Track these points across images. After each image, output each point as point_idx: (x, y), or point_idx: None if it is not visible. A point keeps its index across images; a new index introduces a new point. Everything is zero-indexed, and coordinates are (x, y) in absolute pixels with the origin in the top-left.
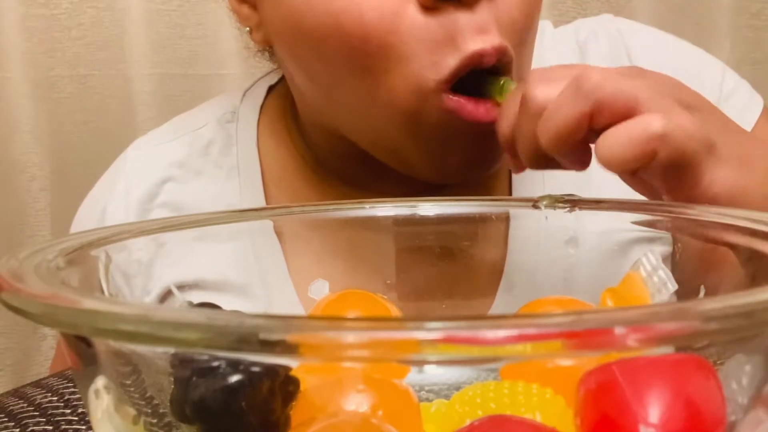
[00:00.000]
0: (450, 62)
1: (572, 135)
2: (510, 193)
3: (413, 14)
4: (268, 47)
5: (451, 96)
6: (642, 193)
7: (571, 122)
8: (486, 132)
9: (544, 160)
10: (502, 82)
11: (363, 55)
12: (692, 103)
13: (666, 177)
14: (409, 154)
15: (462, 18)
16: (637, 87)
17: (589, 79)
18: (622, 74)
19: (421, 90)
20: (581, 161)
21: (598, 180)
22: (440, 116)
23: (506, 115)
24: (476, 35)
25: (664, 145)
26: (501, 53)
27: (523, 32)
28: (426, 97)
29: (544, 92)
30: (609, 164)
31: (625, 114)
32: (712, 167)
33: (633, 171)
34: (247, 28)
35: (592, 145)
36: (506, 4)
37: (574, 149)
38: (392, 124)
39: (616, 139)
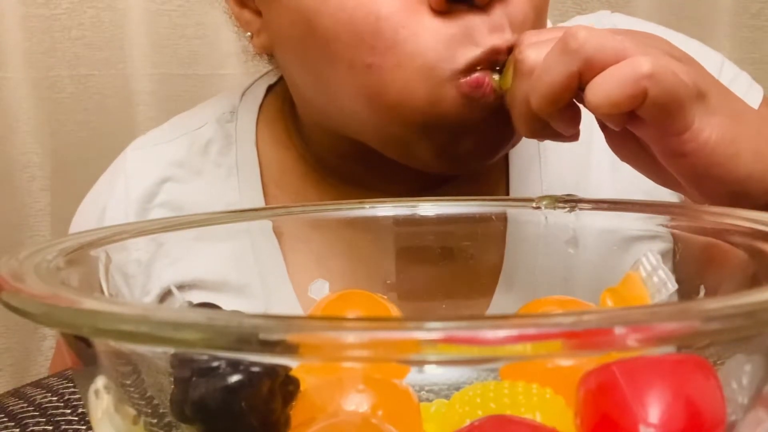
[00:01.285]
0: (467, 54)
1: (562, 95)
2: (507, 193)
3: (426, 18)
4: (268, 52)
5: (466, 79)
6: (626, 158)
7: (560, 82)
8: (499, 113)
9: (540, 126)
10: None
11: (373, 51)
12: (682, 57)
13: (656, 120)
14: (419, 147)
15: (476, 19)
16: (624, 40)
17: (576, 37)
18: (611, 31)
19: (435, 79)
20: (571, 122)
21: (597, 176)
22: (455, 104)
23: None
24: (492, 33)
25: (653, 84)
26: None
27: (535, 28)
28: (440, 86)
29: (535, 54)
30: (600, 107)
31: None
32: (702, 113)
33: (623, 115)
34: (248, 33)
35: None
36: (517, 3)
37: (564, 110)
38: (402, 120)
39: (605, 81)
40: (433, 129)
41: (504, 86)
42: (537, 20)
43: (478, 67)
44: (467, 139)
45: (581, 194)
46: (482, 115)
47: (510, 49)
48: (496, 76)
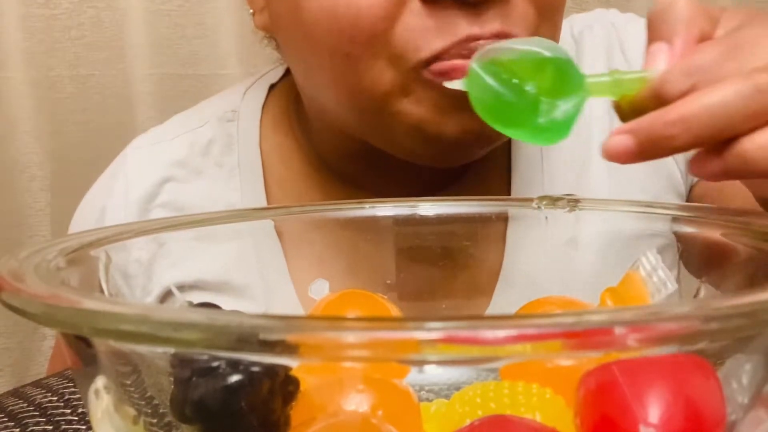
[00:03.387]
0: (435, 44)
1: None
2: (509, 193)
3: (414, 6)
4: (267, 32)
5: (429, 68)
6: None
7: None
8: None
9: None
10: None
11: (351, 42)
12: None
13: None
14: (401, 137)
15: (460, 16)
16: None
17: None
18: None
19: (400, 67)
20: None
21: (596, 174)
22: (422, 86)
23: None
24: (473, 23)
25: None
26: (503, 37)
27: (540, 29)
28: (405, 74)
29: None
30: None
31: None
32: None
33: None
34: (251, 10)
35: None
36: (520, 5)
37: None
38: (378, 108)
39: None
40: (407, 111)
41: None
42: (544, 21)
43: (447, 58)
44: (449, 118)
45: (582, 194)
46: (452, 103)
47: (497, 36)
48: None
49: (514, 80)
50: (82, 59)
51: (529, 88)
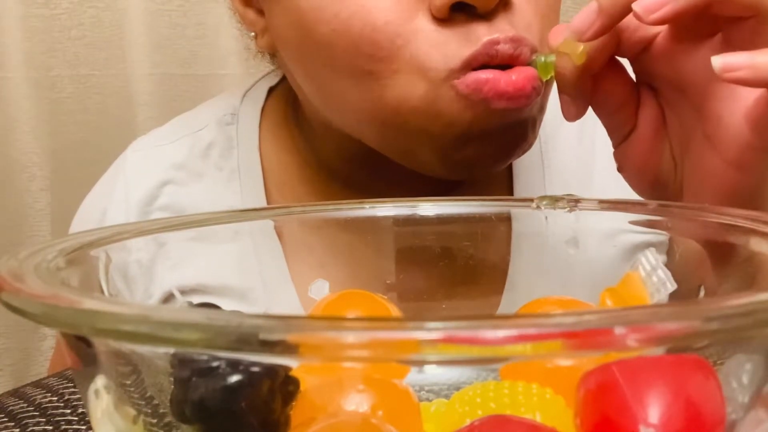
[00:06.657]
0: (463, 52)
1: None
2: (511, 194)
3: (425, 24)
4: (271, 53)
5: (463, 78)
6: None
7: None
8: (504, 121)
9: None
10: (543, 59)
11: (371, 59)
12: None
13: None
14: (422, 152)
15: (476, 26)
16: None
17: None
18: None
19: (431, 80)
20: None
21: (600, 182)
22: (452, 104)
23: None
24: (491, 33)
25: None
26: (517, 42)
27: (543, 34)
28: (437, 86)
29: None
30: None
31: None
32: None
33: None
34: (252, 33)
35: None
36: (521, 10)
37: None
38: (402, 124)
39: None
40: (433, 132)
41: (544, 78)
42: (544, 28)
43: (475, 64)
44: (470, 145)
45: (586, 195)
46: (486, 118)
47: (513, 40)
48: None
49: None
50: (82, 59)
51: None
